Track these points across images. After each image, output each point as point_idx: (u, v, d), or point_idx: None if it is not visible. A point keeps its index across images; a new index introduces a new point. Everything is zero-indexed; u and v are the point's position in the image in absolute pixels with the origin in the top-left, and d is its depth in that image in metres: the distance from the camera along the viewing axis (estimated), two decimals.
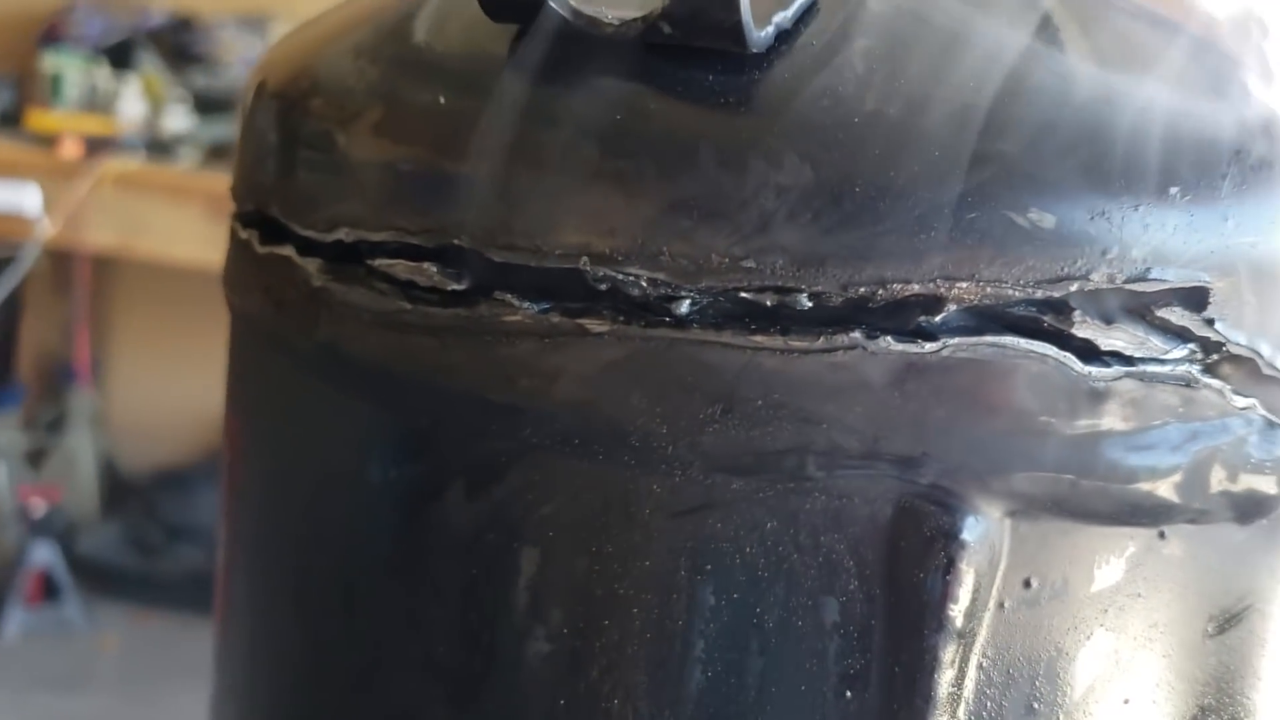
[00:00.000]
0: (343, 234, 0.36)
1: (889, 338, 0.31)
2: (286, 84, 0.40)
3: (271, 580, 0.40)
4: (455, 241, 0.34)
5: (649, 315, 0.32)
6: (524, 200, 0.33)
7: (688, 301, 0.32)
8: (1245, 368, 0.34)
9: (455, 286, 0.34)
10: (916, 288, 0.31)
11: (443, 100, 0.34)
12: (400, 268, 0.35)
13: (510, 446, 0.34)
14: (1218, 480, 0.34)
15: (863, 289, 0.31)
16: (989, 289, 0.31)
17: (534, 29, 0.34)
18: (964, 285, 0.31)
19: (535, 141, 0.33)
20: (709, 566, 0.33)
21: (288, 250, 0.38)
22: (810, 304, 0.31)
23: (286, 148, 0.39)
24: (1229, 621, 0.36)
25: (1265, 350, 0.34)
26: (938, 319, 0.31)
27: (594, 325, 0.32)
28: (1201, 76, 0.34)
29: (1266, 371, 0.34)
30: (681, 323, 0.32)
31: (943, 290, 0.31)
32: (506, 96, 0.34)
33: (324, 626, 0.38)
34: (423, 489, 0.35)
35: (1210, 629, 0.36)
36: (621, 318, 0.32)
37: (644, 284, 0.32)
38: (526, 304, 0.33)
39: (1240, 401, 0.34)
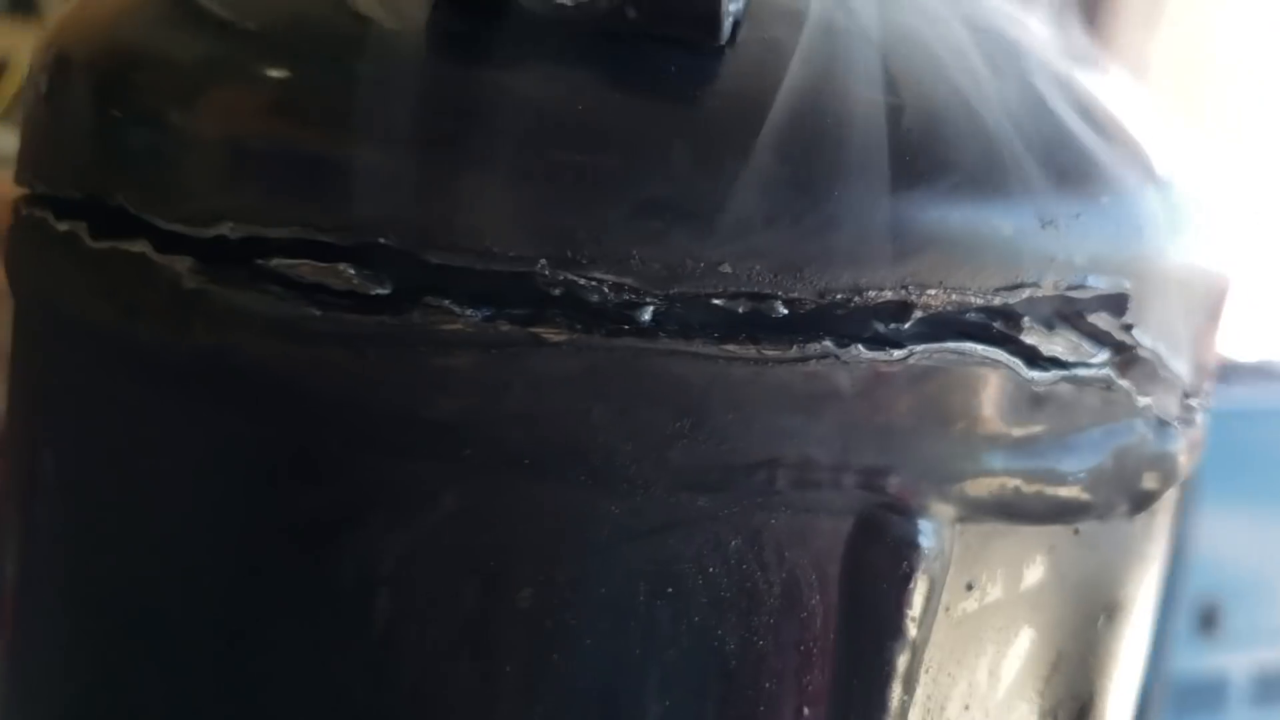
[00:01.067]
0: (226, 229, 0.31)
1: (859, 346, 0.30)
2: (99, 56, 0.34)
3: (106, 625, 0.35)
4: (380, 240, 0.30)
5: (610, 323, 0.30)
6: (470, 197, 0.29)
7: (651, 309, 0.30)
8: (1146, 369, 0.35)
9: (378, 291, 0.30)
10: (889, 294, 0.30)
11: (360, 75, 0.30)
12: (306, 269, 0.30)
13: (444, 469, 0.30)
14: (1124, 477, 0.35)
15: (838, 295, 0.30)
16: (953, 296, 0.31)
17: (470, 2, 0.30)
18: (932, 292, 0.31)
19: (482, 130, 0.29)
20: (669, 590, 0.31)
21: (141, 246, 0.32)
22: (786, 311, 0.30)
23: (122, 127, 0.33)
24: (1115, 611, 0.38)
25: (1163, 352, 0.35)
26: (905, 326, 0.31)
27: (549, 334, 0.30)
28: (1105, 88, 0.36)
29: (1162, 373, 0.36)
30: (646, 332, 0.30)
31: (913, 297, 0.30)
32: (441, 76, 0.30)
33: (198, 677, 0.33)
34: (331, 518, 0.31)
35: (1103, 620, 0.37)
36: (579, 326, 0.30)
37: (606, 290, 0.29)
38: (468, 310, 0.30)
39: (1142, 401, 0.35)
